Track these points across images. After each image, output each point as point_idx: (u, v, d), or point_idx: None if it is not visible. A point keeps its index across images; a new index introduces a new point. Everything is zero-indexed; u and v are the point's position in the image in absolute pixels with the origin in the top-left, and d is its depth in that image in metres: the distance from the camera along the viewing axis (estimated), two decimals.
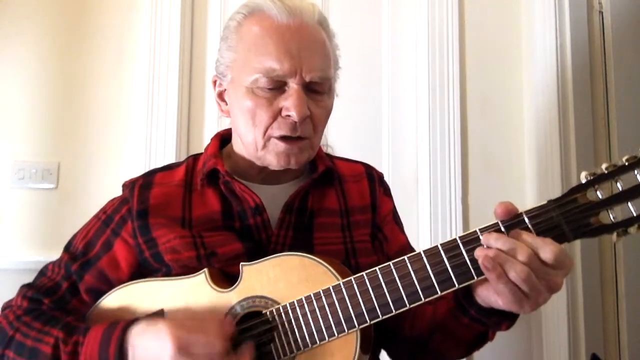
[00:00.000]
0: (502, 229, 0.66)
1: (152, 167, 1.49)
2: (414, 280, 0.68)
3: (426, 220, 1.53)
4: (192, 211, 0.82)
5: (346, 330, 0.69)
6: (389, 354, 0.91)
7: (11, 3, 1.57)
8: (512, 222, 0.66)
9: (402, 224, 0.98)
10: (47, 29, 1.57)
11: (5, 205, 1.52)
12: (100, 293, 0.80)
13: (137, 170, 1.51)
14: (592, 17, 1.59)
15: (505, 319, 0.73)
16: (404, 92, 1.62)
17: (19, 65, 1.56)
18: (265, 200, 0.81)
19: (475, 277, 0.66)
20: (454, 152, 1.56)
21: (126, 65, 1.58)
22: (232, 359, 0.67)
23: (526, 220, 0.66)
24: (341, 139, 1.56)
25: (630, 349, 1.46)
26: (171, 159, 1.52)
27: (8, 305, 0.83)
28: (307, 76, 0.76)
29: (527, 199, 1.57)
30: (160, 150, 1.53)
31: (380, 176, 0.97)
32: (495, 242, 0.64)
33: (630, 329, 1.47)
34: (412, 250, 0.96)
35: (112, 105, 1.57)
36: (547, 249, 0.62)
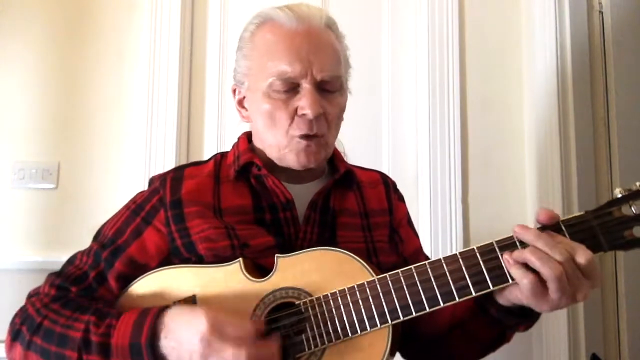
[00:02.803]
0: None
1: (152, 167, 1.51)
2: (449, 280, 0.69)
3: (426, 220, 1.53)
4: (222, 202, 0.85)
5: (378, 325, 0.70)
6: (403, 353, 0.92)
7: (12, 3, 1.58)
8: (549, 229, 0.68)
9: (415, 230, 1.02)
10: (48, 29, 1.58)
11: (5, 205, 1.52)
12: (129, 280, 0.81)
13: (137, 170, 1.52)
14: (592, 17, 1.59)
15: (525, 320, 0.75)
16: (404, 92, 1.62)
17: (19, 65, 1.56)
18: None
19: (510, 281, 0.68)
20: (454, 152, 1.56)
21: (126, 65, 1.58)
22: (260, 345, 0.68)
23: (563, 227, 0.68)
24: (341, 139, 1.55)
25: (630, 349, 1.46)
26: (171, 159, 1.52)
27: (35, 293, 0.83)
28: (318, 76, 0.81)
29: (527, 199, 1.57)
30: (160, 150, 1.53)
31: (393, 183, 1.02)
32: (534, 239, 0.66)
33: (630, 329, 1.46)
34: (425, 253, 1.00)
35: (112, 106, 1.57)
36: (581, 253, 0.65)
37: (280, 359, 0.69)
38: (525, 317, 0.74)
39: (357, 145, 1.59)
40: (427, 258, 0.97)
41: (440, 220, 1.53)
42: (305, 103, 0.79)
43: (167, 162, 1.51)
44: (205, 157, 0.97)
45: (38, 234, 1.51)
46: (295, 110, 0.81)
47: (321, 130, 0.83)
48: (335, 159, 0.93)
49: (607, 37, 1.56)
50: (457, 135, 1.57)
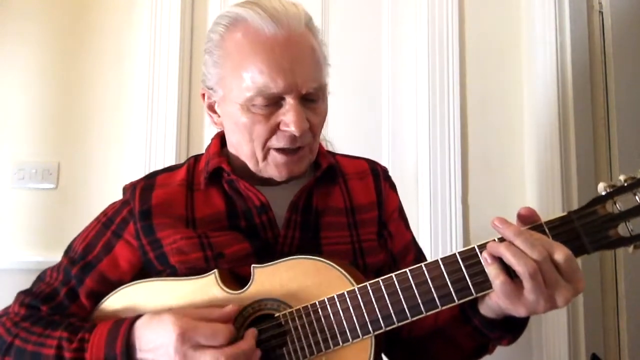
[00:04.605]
0: None
1: (152, 167, 1.51)
2: (430, 288, 0.67)
3: (426, 220, 1.53)
4: (195, 211, 0.81)
5: (361, 336, 0.68)
6: (387, 355, 0.91)
7: (11, 3, 1.57)
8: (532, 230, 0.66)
9: (407, 220, 0.97)
10: (47, 29, 1.58)
11: (5, 205, 1.52)
12: (100, 296, 0.79)
13: (137, 170, 1.52)
14: (592, 17, 1.59)
15: (508, 333, 0.72)
16: (404, 92, 1.62)
17: (19, 65, 1.56)
18: (268, 200, 0.80)
19: (493, 287, 0.65)
20: (454, 152, 1.56)
21: (126, 65, 1.58)
22: (234, 345, 0.66)
23: (546, 230, 0.66)
24: (341, 139, 1.55)
25: (630, 349, 1.46)
26: (171, 159, 1.52)
27: (4, 313, 0.80)
28: (303, 89, 0.74)
29: (527, 199, 1.57)
30: (160, 150, 1.53)
31: (384, 170, 0.95)
32: (513, 236, 0.64)
33: (630, 329, 1.47)
34: (417, 246, 0.96)
35: (112, 105, 1.57)
36: (559, 250, 0.62)
37: (258, 353, 0.68)
38: (508, 330, 0.72)
39: (357, 145, 1.59)
40: (418, 251, 0.95)
41: (440, 220, 1.53)
42: (290, 119, 0.73)
43: (167, 162, 1.51)
44: None
45: (38, 234, 1.51)
46: (278, 124, 0.75)
47: (305, 141, 0.78)
48: (317, 153, 0.87)
49: (607, 37, 1.56)
50: (457, 135, 1.56)
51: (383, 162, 1.57)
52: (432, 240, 1.51)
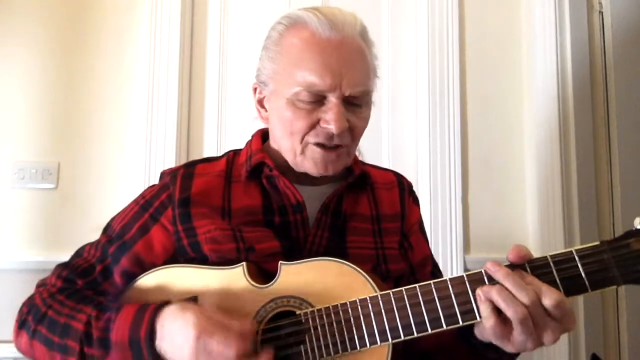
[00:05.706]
0: (551, 263, 0.66)
1: (152, 167, 1.51)
2: (453, 303, 0.67)
3: (426, 220, 1.52)
4: (232, 202, 0.84)
5: (379, 343, 0.69)
6: None
7: (11, 3, 1.58)
8: (561, 258, 0.66)
9: (426, 234, 1.00)
10: (48, 29, 1.58)
11: (5, 205, 1.52)
12: (133, 277, 0.81)
13: (137, 170, 1.52)
14: (592, 17, 1.59)
15: (505, 355, 0.72)
16: (404, 92, 1.63)
17: (19, 65, 1.56)
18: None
19: None
20: (454, 152, 1.56)
21: (126, 65, 1.58)
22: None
23: (576, 258, 0.65)
24: None
25: (630, 349, 1.46)
26: (171, 159, 1.52)
27: (42, 283, 0.85)
28: (347, 91, 0.78)
29: (527, 199, 1.57)
30: (160, 150, 1.53)
31: (409, 185, 0.99)
32: (502, 278, 0.65)
33: (630, 329, 1.47)
34: (434, 260, 0.98)
35: (112, 105, 1.57)
36: (549, 295, 0.63)
37: None
38: (504, 352, 0.71)
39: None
40: (435, 266, 0.97)
41: (441, 220, 1.53)
42: (330, 117, 0.77)
43: (167, 162, 1.51)
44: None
45: (38, 234, 1.51)
46: (318, 120, 0.79)
47: (344, 141, 0.81)
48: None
49: (607, 37, 1.56)
50: (457, 135, 1.57)
51: (383, 162, 1.60)
52: (432, 240, 1.51)
